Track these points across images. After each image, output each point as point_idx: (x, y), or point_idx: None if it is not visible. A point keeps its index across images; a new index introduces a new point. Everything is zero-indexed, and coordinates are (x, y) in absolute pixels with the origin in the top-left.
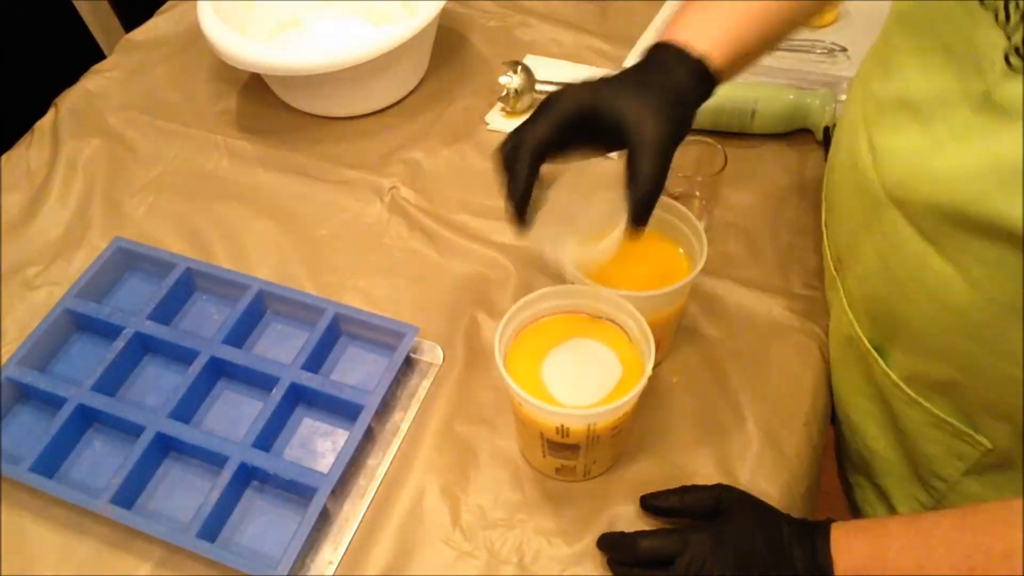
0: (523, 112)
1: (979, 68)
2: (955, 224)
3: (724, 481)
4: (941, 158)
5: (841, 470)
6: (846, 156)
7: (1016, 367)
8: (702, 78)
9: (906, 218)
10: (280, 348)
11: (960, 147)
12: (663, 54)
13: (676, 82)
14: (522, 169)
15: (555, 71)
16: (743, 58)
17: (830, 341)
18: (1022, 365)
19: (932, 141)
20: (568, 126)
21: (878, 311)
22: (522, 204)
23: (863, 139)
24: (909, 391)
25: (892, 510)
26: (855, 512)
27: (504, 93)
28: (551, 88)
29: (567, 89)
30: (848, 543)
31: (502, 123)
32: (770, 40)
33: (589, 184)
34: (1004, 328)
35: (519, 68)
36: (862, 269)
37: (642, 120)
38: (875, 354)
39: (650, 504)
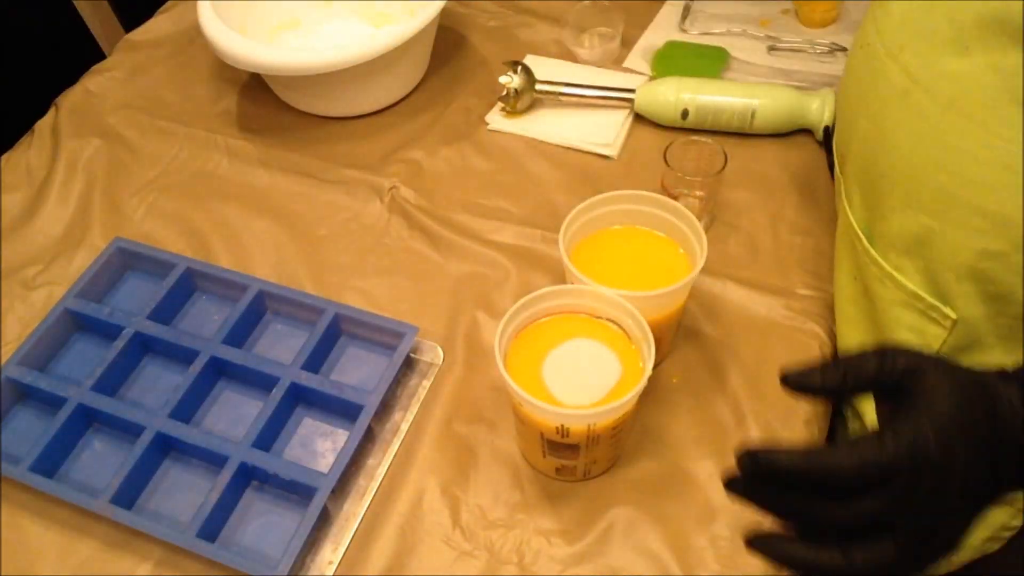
0: (523, 112)
1: None
2: (939, 48)
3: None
4: None
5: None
6: (855, 47)
7: (981, 193)
8: None
9: (897, 65)
10: (280, 348)
11: None
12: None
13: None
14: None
15: (555, 71)
16: None
17: (836, 247)
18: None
19: None
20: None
21: (866, 180)
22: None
23: (870, 20)
24: (885, 264)
25: (865, 428)
26: None
27: (504, 93)
28: (551, 88)
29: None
30: None
31: (502, 123)
32: None
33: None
34: (969, 146)
35: (519, 68)
36: (856, 142)
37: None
38: (860, 235)
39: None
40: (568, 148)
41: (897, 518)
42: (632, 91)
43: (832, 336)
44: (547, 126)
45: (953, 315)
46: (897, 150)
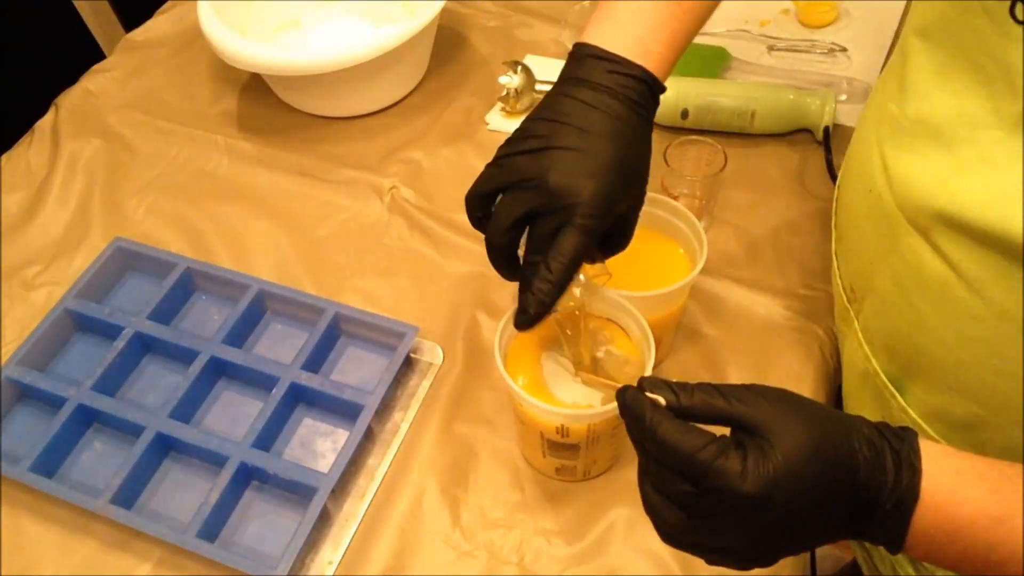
0: (523, 112)
1: (1013, 88)
2: (983, 249)
3: None
4: (968, 182)
5: None
6: (858, 181)
7: None
8: (654, 90)
9: (927, 244)
10: (280, 348)
11: (991, 170)
12: (603, 74)
13: (631, 104)
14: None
15: (555, 71)
16: (675, 57)
17: (843, 377)
18: None
19: (957, 165)
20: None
21: (896, 344)
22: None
23: (877, 164)
24: (929, 431)
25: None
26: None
27: (504, 93)
28: (550, 88)
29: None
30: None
31: (502, 123)
32: (689, 33)
33: None
34: None
35: (519, 68)
36: (879, 299)
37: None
38: (892, 389)
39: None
40: None
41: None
42: None
43: (831, 336)
44: None
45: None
46: (939, 338)
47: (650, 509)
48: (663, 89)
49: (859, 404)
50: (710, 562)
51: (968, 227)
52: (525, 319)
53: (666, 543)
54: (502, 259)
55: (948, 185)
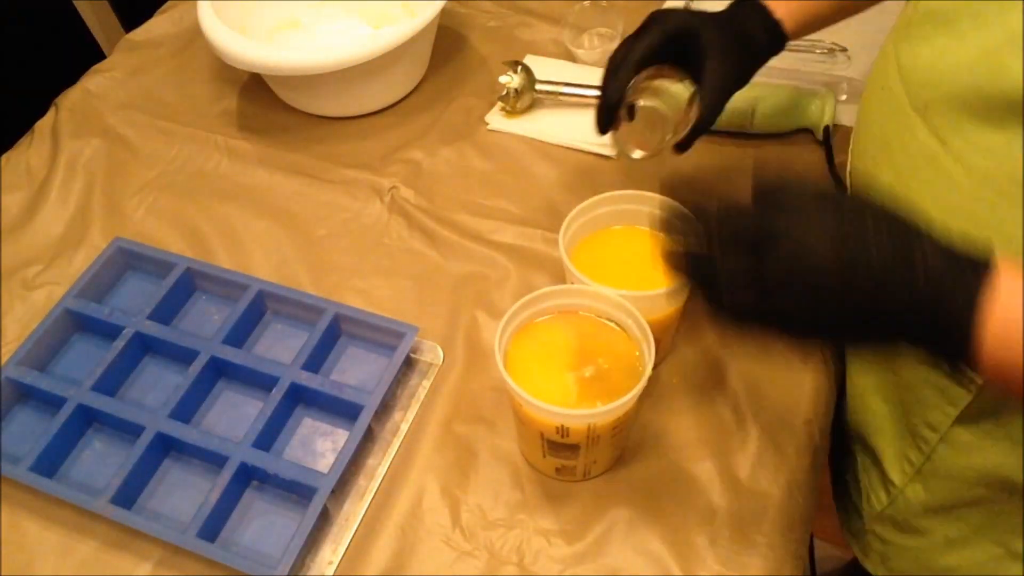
0: (523, 112)
1: None
2: (969, 120)
3: (723, 481)
4: (963, 49)
5: (836, 453)
6: (874, 85)
7: (1013, 259)
8: (774, 37)
9: (925, 123)
10: (280, 348)
11: (980, 33)
12: (748, 9)
13: (753, 36)
14: (624, 75)
15: (555, 71)
16: (810, 26)
17: None
18: (1021, 254)
19: (957, 38)
20: (668, 41)
21: None
22: (615, 105)
23: (892, 61)
24: None
25: (884, 475)
26: (842, 495)
27: (504, 93)
28: (551, 88)
29: (671, 12)
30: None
31: (502, 123)
32: (837, 13)
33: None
34: (1004, 226)
35: (519, 68)
36: (879, 194)
37: (721, 60)
38: None
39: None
40: (568, 148)
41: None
42: None
43: None
44: (547, 126)
45: (979, 380)
46: (926, 215)
47: (722, 277)
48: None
49: None
50: (765, 336)
51: (958, 95)
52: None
53: (732, 318)
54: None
55: (947, 56)
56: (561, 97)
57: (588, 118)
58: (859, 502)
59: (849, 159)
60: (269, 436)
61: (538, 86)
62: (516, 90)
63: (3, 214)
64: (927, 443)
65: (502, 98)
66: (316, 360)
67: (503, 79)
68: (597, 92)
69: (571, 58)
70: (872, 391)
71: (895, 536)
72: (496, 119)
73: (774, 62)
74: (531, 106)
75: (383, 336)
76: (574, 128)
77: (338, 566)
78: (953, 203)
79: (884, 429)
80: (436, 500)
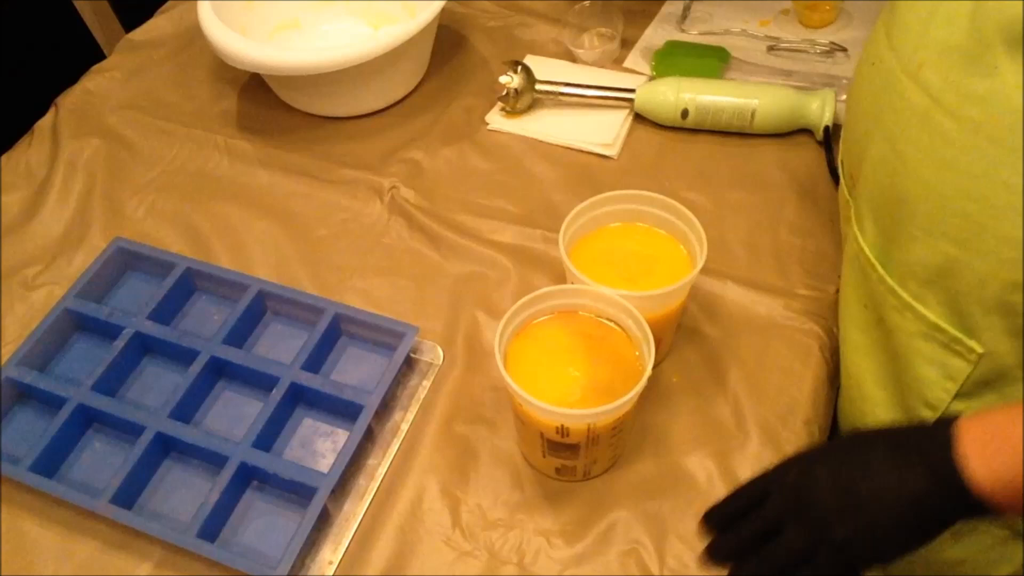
0: (523, 112)
1: None
2: (963, 65)
3: (723, 481)
4: (951, 3)
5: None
6: (864, 64)
7: (1012, 222)
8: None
9: (916, 84)
10: (280, 348)
11: None
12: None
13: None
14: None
15: (555, 71)
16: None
17: (842, 279)
18: (1020, 198)
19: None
20: None
21: (882, 206)
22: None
23: (882, 37)
24: (903, 294)
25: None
26: None
27: (504, 93)
28: (551, 88)
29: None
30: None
31: (502, 123)
32: None
33: None
34: (999, 173)
35: (519, 68)
36: (871, 168)
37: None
38: (874, 261)
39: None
40: (568, 148)
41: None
42: (632, 91)
43: (832, 336)
44: (547, 126)
45: (979, 349)
46: (918, 175)
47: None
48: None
49: (849, 295)
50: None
51: (956, 46)
52: None
53: None
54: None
55: (938, 12)
56: (561, 97)
57: (588, 118)
58: None
59: (840, 151)
60: (269, 436)
61: (538, 86)
62: (516, 90)
63: (3, 214)
64: (924, 420)
65: (502, 98)
66: (316, 360)
67: (503, 79)
68: (597, 92)
69: (571, 58)
70: (870, 379)
71: None
72: (496, 119)
73: (774, 62)
74: (531, 106)
75: (383, 336)
76: (574, 128)
77: (338, 566)
78: (948, 158)
79: (882, 418)
80: (436, 500)
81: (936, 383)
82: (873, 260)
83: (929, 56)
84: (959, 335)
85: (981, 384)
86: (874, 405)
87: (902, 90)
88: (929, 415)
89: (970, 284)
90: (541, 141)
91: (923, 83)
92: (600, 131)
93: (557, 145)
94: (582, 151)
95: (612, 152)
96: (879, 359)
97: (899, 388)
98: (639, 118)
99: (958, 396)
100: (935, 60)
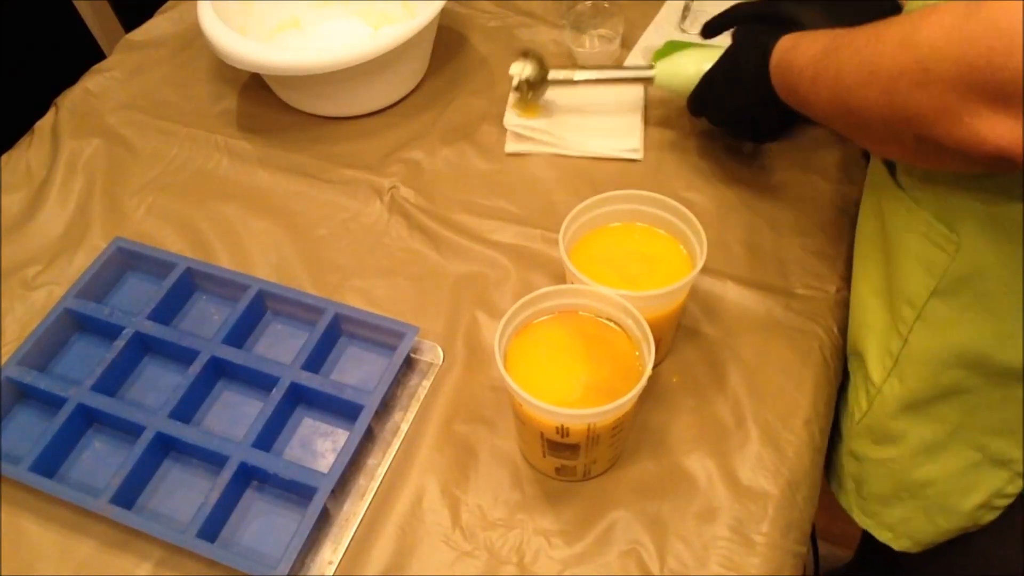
0: (538, 109)
1: None
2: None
3: (723, 481)
4: None
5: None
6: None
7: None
8: None
9: None
10: (280, 348)
11: None
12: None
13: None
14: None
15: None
16: None
17: (864, 190)
18: None
19: None
20: None
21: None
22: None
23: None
24: (903, 187)
25: (867, 378)
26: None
27: (516, 85)
28: (565, 76)
29: None
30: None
31: (517, 122)
32: None
33: None
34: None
35: (529, 56)
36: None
37: None
38: (885, 168)
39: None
40: (595, 158)
41: None
42: (651, 67)
43: (832, 336)
44: (566, 140)
45: (957, 240)
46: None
47: None
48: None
49: (866, 204)
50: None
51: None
52: None
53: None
54: None
55: None
56: (576, 84)
57: (605, 123)
58: (843, 426)
59: None
60: (269, 436)
61: (551, 74)
62: (529, 80)
63: (3, 214)
64: (906, 324)
65: (516, 89)
66: (316, 360)
67: (514, 69)
68: (615, 75)
69: (571, 58)
70: (868, 288)
71: (870, 450)
72: (512, 118)
73: None
74: (545, 112)
75: (383, 336)
76: (595, 137)
77: (338, 566)
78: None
79: (874, 325)
80: (436, 500)
81: (917, 278)
82: (884, 166)
83: None
84: (942, 227)
85: (957, 280)
86: (867, 313)
87: None
88: (909, 313)
89: (955, 176)
90: (563, 156)
91: None
92: (622, 136)
93: (582, 157)
94: (609, 159)
95: (640, 155)
96: (877, 261)
97: (888, 290)
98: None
99: (936, 293)
100: None
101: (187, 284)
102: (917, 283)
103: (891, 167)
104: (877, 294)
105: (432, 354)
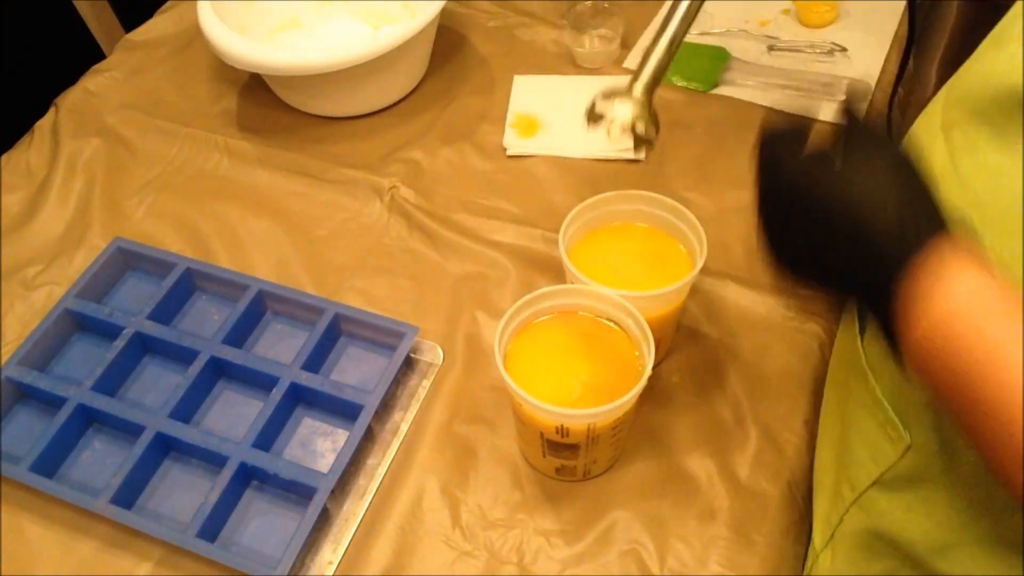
0: (540, 126)
1: None
2: (987, 132)
3: (723, 481)
4: (999, 57)
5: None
6: (925, 110)
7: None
8: None
9: (946, 142)
10: (280, 348)
11: (1016, 38)
12: None
13: None
14: None
15: (550, 84)
16: None
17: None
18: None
19: (995, 47)
20: None
21: None
22: None
23: (949, 84)
24: (864, 360)
25: (812, 542)
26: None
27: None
28: None
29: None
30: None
31: (517, 142)
32: None
33: None
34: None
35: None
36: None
37: None
38: (856, 323)
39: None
40: (596, 160)
41: None
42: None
43: (832, 336)
44: (565, 141)
45: (908, 439)
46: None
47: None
48: None
49: (835, 355)
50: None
51: (983, 109)
52: None
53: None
54: None
55: (983, 66)
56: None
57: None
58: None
59: None
60: (269, 436)
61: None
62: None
63: (3, 214)
64: (843, 502)
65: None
66: (316, 360)
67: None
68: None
69: (571, 58)
70: (828, 444)
71: None
72: (513, 140)
73: (774, 62)
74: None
75: (383, 336)
76: (593, 137)
77: (338, 566)
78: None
79: (825, 485)
80: (436, 500)
81: (863, 464)
82: (856, 320)
83: (961, 116)
84: (895, 419)
85: (902, 479)
86: (821, 468)
87: (933, 146)
88: (848, 494)
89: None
90: (566, 158)
91: (950, 143)
92: (622, 136)
93: (584, 159)
94: (609, 159)
95: (640, 154)
96: (837, 429)
97: (840, 461)
98: None
99: (877, 484)
100: (967, 119)
101: (187, 284)
102: (862, 468)
103: (862, 329)
104: (832, 451)
105: (432, 354)
